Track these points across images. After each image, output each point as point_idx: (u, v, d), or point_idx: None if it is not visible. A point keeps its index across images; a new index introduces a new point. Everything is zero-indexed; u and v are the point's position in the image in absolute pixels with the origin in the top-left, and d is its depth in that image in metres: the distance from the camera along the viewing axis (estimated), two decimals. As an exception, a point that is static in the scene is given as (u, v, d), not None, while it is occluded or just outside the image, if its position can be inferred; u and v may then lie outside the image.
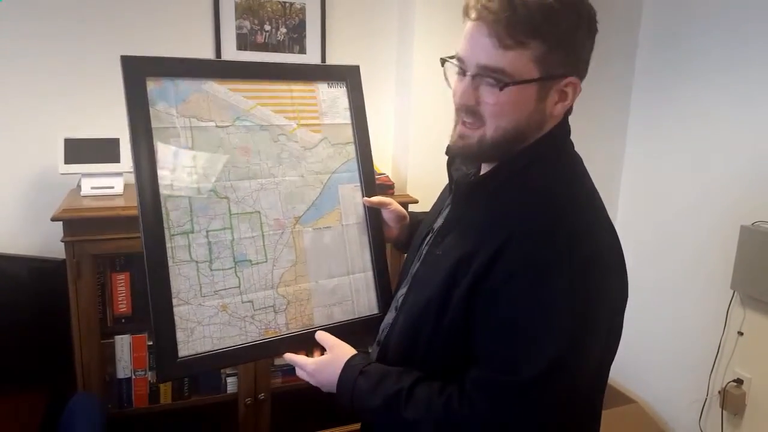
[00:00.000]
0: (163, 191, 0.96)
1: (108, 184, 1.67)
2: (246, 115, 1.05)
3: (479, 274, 0.80)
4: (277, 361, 1.83)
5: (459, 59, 0.83)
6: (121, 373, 1.68)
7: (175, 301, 0.95)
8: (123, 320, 1.68)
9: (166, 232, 0.95)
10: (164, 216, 0.96)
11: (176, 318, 0.95)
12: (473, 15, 0.79)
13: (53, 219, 1.48)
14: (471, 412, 0.79)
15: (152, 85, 0.97)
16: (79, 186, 1.69)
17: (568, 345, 0.76)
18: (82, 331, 1.56)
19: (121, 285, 1.66)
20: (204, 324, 0.97)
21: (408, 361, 0.90)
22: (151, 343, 1.69)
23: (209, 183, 1.00)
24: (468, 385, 0.81)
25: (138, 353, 1.68)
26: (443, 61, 0.87)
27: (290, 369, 1.84)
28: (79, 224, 1.51)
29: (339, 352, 0.96)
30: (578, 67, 0.82)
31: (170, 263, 0.95)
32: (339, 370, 0.92)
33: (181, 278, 0.96)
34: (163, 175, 0.96)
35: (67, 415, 1.44)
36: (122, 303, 1.67)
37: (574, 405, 0.83)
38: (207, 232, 0.99)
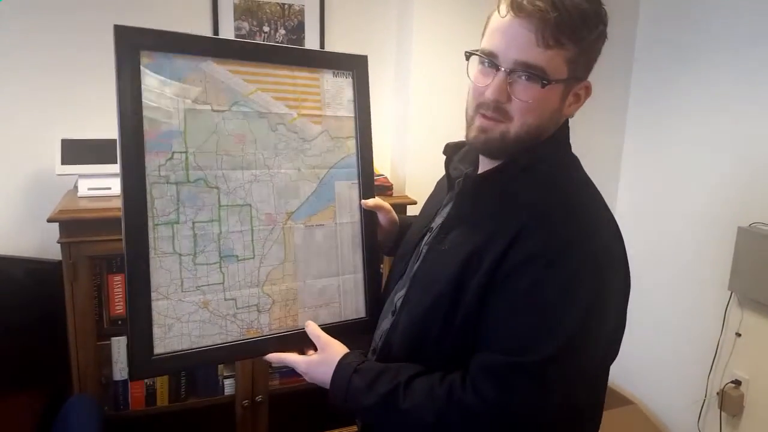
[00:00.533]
0: (149, 177, 0.88)
1: (105, 185, 1.64)
2: (245, 100, 0.97)
3: (493, 267, 0.79)
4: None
5: (490, 53, 0.82)
6: (118, 375, 1.65)
7: (153, 295, 0.88)
8: (119, 322, 1.64)
9: (150, 221, 0.88)
10: (149, 204, 0.88)
11: (154, 313, 0.88)
12: (518, 11, 0.78)
13: (49, 220, 1.46)
14: (476, 397, 0.77)
15: (146, 60, 0.89)
16: (76, 187, 1.67)
17: (579, 329, 0.76)
18: (78, 332, 1.53)
19: (118, 286, 1.64)
20: (183, 321, 0.91)
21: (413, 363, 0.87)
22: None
23: (200, 171, 0.92)
24: (473, 369, 0.79)
25: (134, 355, 1.66)
26: (468, 55, 0.86)
27: (288, 371, 1.83)
28: (75, 225, 1.48)
29: (331, 351, 0.93)
30: (589, 72, 0.85)
31: (151, 254, 0.88)
32: (332, 369, 0.89)
33: (162, 271, 0.89)
34: (151, 159, 0.88)
35: (63, 418, 1.43)
36: (119, 304, 1.64)
37: (579, 393, 0.83)
38: (193, 223, 0.91)
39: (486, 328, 0.80)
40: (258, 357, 0.98)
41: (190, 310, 0.92)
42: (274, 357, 0.97)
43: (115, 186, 1.67)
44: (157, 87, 0.90)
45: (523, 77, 0.80)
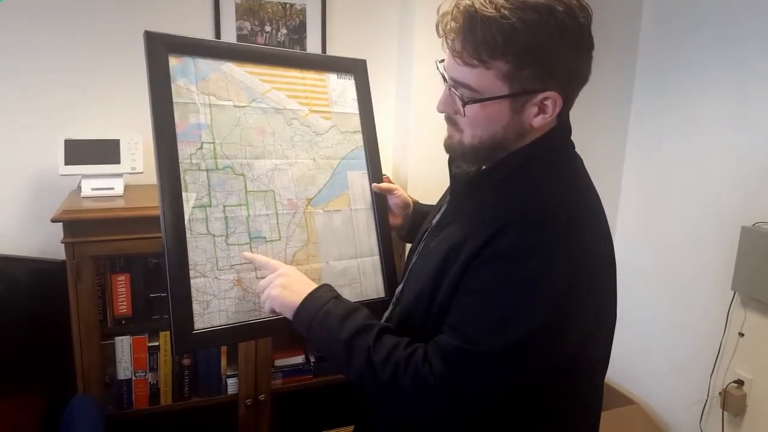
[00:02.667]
0: (182, 164, 0.98)
1: (108, 185, 1.68)
2: (262, 97, 1.09)
3: (466, 263, 0.82)
4: (278, 362, 1.84)
5: (444, 67, 0.86)
6: (122, 374, 1.69)
7: (192, 273, 0.97)
8: (123, 321, 1.68)
9: (185, 204, 0.97)
10: (183, 188, 0.97)
11: (193, 290, 0.97)
12: (439, 33, 0.83)
13: (53, 220, 1.49)
14: (430, 371, 0.80)
15: (174, 62, 1.01)
16: (79, 187, 1.69)
17: (535, 328, 0.77)
18: (82, 332, 1.56)
19: (121, 286, 1.66)
20: (219, 297, 0.99)
21: None
22: (151, 344, 1.70)
23: (227, 159, 1.03)
24: (432, 346, 0.83)
25: (138, 354, 1.69)
26: (437, 64, 0.90)
27: (291, 370, 1.85)
28: (79, 225, 1.51)
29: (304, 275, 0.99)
30: (558, 81, 0.81)
31: (188, 235, 0.97)
32: (312, 287, 0.94)
33: (199, 251, 0.98)
34: (183, 148, 0.99)
35: (67, 417, 1.45)
36: (122, 304, 1.67)
37: (541, 393, 0.84)
38: (224, 206, 1.01)
39: (451, 311, 0.84)
40: (288, 334, 1.03)
41: (225, 288, 1.00)
42: (248, 256, 1.02)
43: (118, 186, 1.69)
44: (185, 85, 1.01)
45: (457, 93, 0.84)
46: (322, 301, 0.91)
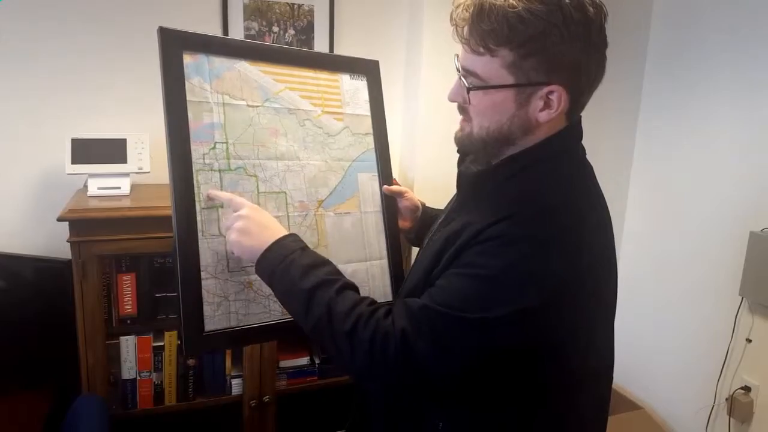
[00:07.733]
0: (195, 164, 0.97)
1: (115, 184, 1.68)
2: (275, 97, 1.09)
3: (464, 243, 0.83)
4: (282, 364, 1.82)
5: (458, 59, 0.89)
6: (126, 374, 1.69)
7: (203, 274, 0.96)
8: (128, 321, 1.68)
9: (197, 205, 0.96)
10: (195, 189, 0.96)
11: (204, 291, 0.96)
12: (451, 21, 0.85)
13: (59, 219, 1.49)
14: (392, 324, 0.80)
15: (188, 59, 0.99)
16: (85, 186, 1.69)
17: (507, 312, 0.77)
18: (87, 331, 1.56)
19: (127, 286, 1.66)
20: (230, 299, 0.99)
21: None
22: (156, 344, 1.70)
23: (239, 160, 1.02)
24: (397, 304, 0.84)
25: (143, 354, 1.68)
26: (455, 58, 0.91)
27: (296, 372, 1.84)
28: (85, 224, 1.51)
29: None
30: (563, 75, 0.82)
31: (200, 236, 0.96)
32: (280, 234, 0.91)
33: (210, 252, 0.97)
34: (196, 148, 0.98)
35: (71, 416, 1.44)
36: (128, 304, 1.66)
37: (501, 380, 0.83)
38: None
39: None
40: (298, 337, 1.01)
41: (236, 290, 1.00)
42: (213, 194, 0.98)
43: (125, 186, 1.67)
44: (199, 83, 1.00)
45: (466, 82, 0.86)
46: (289, 249, 0.90)
